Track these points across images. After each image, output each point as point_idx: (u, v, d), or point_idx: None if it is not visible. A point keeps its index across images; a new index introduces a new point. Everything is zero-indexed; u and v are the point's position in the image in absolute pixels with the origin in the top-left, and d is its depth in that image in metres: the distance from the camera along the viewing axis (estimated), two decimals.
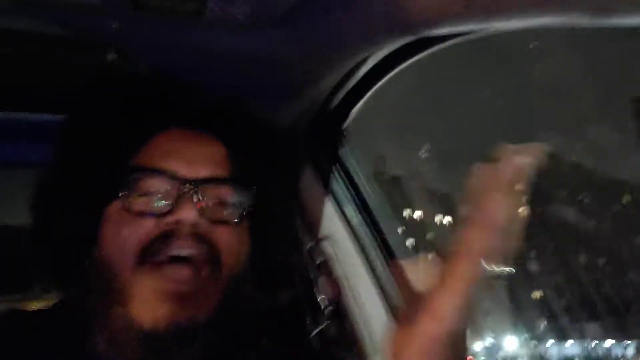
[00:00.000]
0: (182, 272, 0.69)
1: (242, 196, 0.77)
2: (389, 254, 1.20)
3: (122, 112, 0.79)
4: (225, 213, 0.75)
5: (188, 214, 0.70)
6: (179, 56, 0.91)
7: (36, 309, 0.83)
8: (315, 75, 0.97)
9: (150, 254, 0.69)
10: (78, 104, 0.83)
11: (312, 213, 1.21)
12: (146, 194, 0.72)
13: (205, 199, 0.73)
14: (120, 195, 0.72)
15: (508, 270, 0.57)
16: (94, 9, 0.76)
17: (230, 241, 0.74)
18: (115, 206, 0.73)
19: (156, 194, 0.72)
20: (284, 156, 0.89)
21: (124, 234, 0.71)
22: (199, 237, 0.71)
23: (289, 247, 0.87)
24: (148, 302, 0.68)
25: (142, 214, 0.71)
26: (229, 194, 0.76)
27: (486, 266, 0.56)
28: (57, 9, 0.79)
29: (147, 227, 0.70)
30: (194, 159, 0.76)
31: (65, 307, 0.77)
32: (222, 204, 0.75)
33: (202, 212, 0.72)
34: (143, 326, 0.67)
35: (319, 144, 1.22)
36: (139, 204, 0.72)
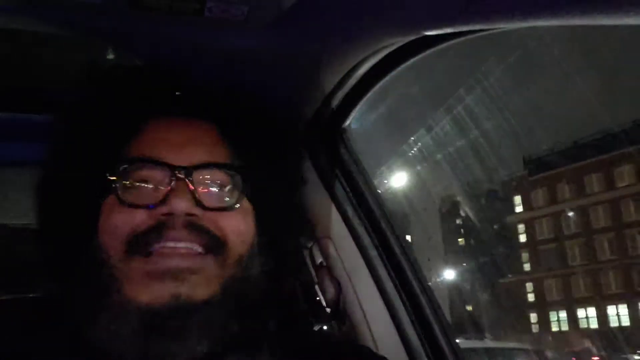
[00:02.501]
0: (176, 259, 0.68)
1: (239, 180, 0.75)
2: (389, 254, 1.20)
3: (112, 104, 0.78)
4: (223, 199, 0.73)
5: (181, 204, 0.69)
6: (177, 55, 0.91)
7: (36, 296, 0.83)
8: (314, 74, 0.97)
9: (142, 245, 0.68)
10: (75, 103, 0.83)
11: (313, 213, 1.21)
12: (138, 184, 0.72)
13: (199, 186, 0.72)
14: (113, 187, 0.71)
15: None
16: (92, 8, 0.76)
17: (233, 226, 0.73)
18: (110, 199, 0.72)
19: (148, 183, 0.72)
20: (281, 142, 0.88)
21: (116, 225, 0.70)
22: (195, 227, 0.69)
23: (295, 234, 0.86)
24: (143, 283, 0.67)
25: (134, 205, 0.70)
26: (225, 179, 0.74)
27: None
28: (55, 8, 0.79)
29: (139, 218, 0.69)
30: (185, 145, 0.74)
31: (65, 296, 0.76)
32: (218, 189, 0.73)
33: (197, 200, 0.70)
34: (140, 304, 0.66)
35: (319, 143, 1.21)
36: (131, 195, 0.71)
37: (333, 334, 1.17)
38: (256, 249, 0.76)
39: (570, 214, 40.47)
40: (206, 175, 0.73)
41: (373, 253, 1.19)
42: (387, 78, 1.04)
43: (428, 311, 1.15)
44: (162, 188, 0.71)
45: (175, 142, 0.74)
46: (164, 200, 0.69)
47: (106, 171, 0.72)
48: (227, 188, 0.74)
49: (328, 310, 1.20)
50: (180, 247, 0.68)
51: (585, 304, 40.12)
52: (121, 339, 0.66)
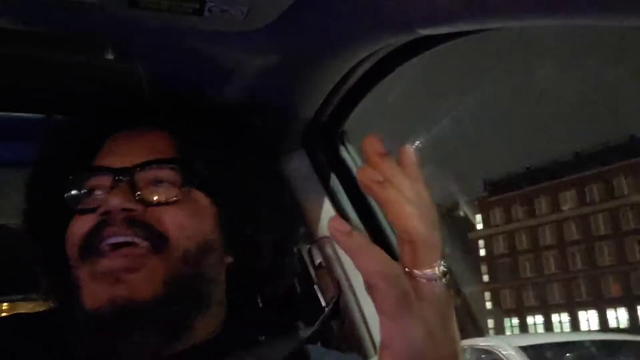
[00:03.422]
0: (118, 259, 0.68)
1: (184, 174, 0.75)
2: (389, 254, 1.19)
3: (84, 116, 0.82)
4: (164, 193, 0.73)
5: (116, 200, 0.70)
6: (176, 55, 0.91)
7: (33, 312, 0.84)
8: (314, 75, 0.97)
9: (88, 248, 0.70)
10: (73, 104, 0.84)
11: (312, 213, 1.21)
12: (87, 192, 0.74)
13: (140, 184, 0.72)
14: (70, 197, 0.75)
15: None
16: (90, 8, 0.76)
17: (176, 221, 0.72)
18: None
19: (94, 191, 0.74)
20: (255, 138, 0.87)
21: (71, 233, 0.73)
22: (133, 221, 0.70)
23: (275, 228, 0.83)
24: (87, 287, 0.69)
25: (82, 211, 0.73)
26: (169, 175, 0.74)
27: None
28: (54, 8, 0.79)
29: (85, 222, 0.71)
30: (130, 151, 0.76)
31: (56, 309, 0.80)
32: (161, 185, 0.74)
33: (136, 196, 0.71)
34: (88, 310, 0.67)
35: (319, 143, 1.21)
36: (81, 203, 0.74)
37: (329, 338, 1.17)
38: (212, 244, 0.75)
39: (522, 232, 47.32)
40: (148, 173, 0.74)
41: None
42: (386, 78, 1.05)
43: None
44: (105, 191, 0.73)
45: (121, 150, 0.77)
46: (105, 201, 0.71)
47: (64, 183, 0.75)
48: (170, 183, 0.74)
49: (327, 310, 1.20)
50: (120, 241, 0.69)
51: (534, 312, 46.63)
52: (83, 347, 0.68)
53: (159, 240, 0.70)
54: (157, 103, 0.89)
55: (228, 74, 0.95)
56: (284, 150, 1.20)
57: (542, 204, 46.33)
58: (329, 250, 1.20)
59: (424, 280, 0.47)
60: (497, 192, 49.73)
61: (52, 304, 0.82)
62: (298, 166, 1.22)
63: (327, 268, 1.21)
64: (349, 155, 1.24)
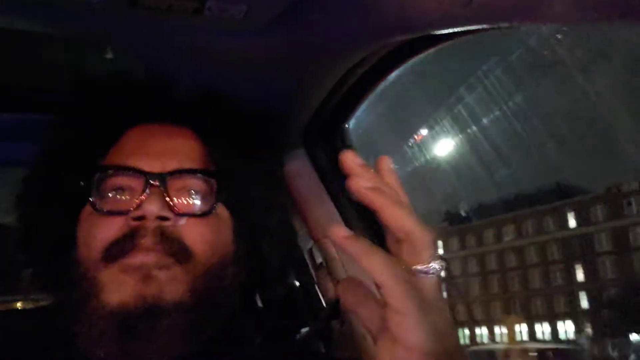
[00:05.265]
0: (151, 253, 0.68)
1: (214, 187, 0.75)
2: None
3: (92, 111, 0.79)
4: (195, 205, 0.73)
5: (153, 207, 0.69)
6: (176, 55, 0.90)
7: (28, 307, 0.84)
8: (315, 74, 0.97)
9: (116, 253, 0.69)
10: (71, 104, 0.83)
11: (313, 213, 1.21)
12: (114, 192, 0.72)
13: (172, 192, 0.72)
14: (90, 195, 0.72)
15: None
16: (91, 8, 0.76)
17: (203, 233, 0.73)
18: (88, 208, 0.73)
19: (123, 191, 0.72)
20: (266, 146, 0.87)
21: (93, 235, 0.71)
22: (165, 235, 0.70)
23: (279, 239, 0.84)
24: (114, 282, 0.67)
25: (109, 213, 0.71)
26: (200, 186, 0.74)
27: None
28: (54, 8, 0.78)
29: (114, 226, 0.70)
30: (161, 152, 0.75)
31: (55, 306, 0.77)
32: (191, 196, 0.74)
33: (169, 205, 0.70)
34: (112, 307, 0.66)
35: (319, 143, 1.21)
36: (107, 203, 0.72)
37: (330, 338, 1.17)
38: (231, 258, 0.76)
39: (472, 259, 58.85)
40: (180, 182, 0.73)
41: None
42: (388, 77, 1.04)
43: None
44: (136, 195, 0.71)
45: (151, 149, 0.75)
46: (138, 207, 0.70)
47: (85, 180, 0.73)
48: (201, 194, 0.74)
49: (328, 310, 1.20)
50: (150, 257, 0.68)
51: (481, 324, 56.42)
52: (100, 344, 0.67)
53: (184, 255, 0.70)
54: (177, 100, 0.86)
55: (227, 73, 0.94)
56: (284, 149, 1.20)
57: (490, 235, 58.20)
58: (329, 250, 1.20)
59: (425, 275, 0.49)
60: (454, 222, 60.29)
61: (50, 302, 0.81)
62: (298, 166, 1.22)
63: (328, 268, 1.21)
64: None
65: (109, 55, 0.91)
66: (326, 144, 1.22)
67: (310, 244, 1.23)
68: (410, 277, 0.48)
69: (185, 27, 0.83)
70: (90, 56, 0.95)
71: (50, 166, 0.79)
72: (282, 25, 0.83)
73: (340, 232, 0.50)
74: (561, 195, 53.35)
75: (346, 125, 1.21)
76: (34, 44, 0.91)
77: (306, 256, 1.26)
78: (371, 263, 0.48)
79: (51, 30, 0.87)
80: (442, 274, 0.50)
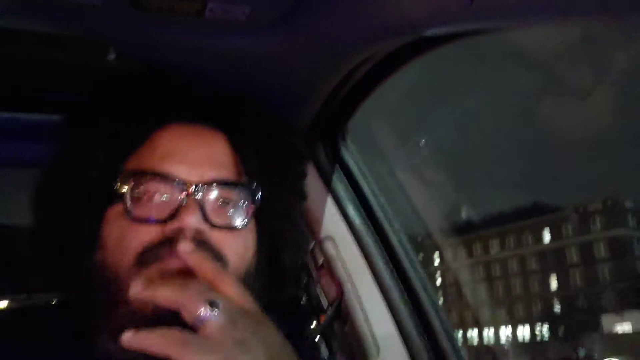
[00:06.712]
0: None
1: (248, 199, 0.75)
2: (390, 254, 1.19)
3: (117, 111, 0.77)
4: (230, 217, 0.73)
5: (192, 219, 0.68)
6: (178, 56, 0.90)
7: (41, 304, 0.83)
8: (316, 75, 0.97)
9: (152, 258, 0.68)
10: (76, 104, 0.82)
11: (314, 213, 1.21)
12: (148, 198, 0.71)
13: (209, 203, 0.71)
14: (121, 198, 0.71)
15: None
16: (93, 9, 0.76)
17: (235, 246, 0.73)
18: (115, 209, 0.72)
19: (158, 198, 0.71)
20: (290, 153, 0.87)
21: (125, 239, 0.69)
22: (202, 243, 0.69)
23: (296, 248, 0.86)
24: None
25: (144, 220, 0.70)
26: (235, 197, 0.74)
27: None
28: (56, 9, 0.78)
29: (149, 233, 0.69)
30: (199, 160, 0.74)
31: (69, 305, 0.76)
32: (226, 208, 0.73)
33: (205, 217, 0.70)
34: (146, 311, 0.65)
35: (320, 144, 1.21)
36: (140, 208, 0.70)
37: (331, 339, 1.17)
38: (253, 269, 0.76)
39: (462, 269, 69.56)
40: (216, 192, 0.73)
41: (374, 253, 1.18)
42: (388, 79, 1.04)
43: (429, 311, 1.15)
44: (172, 203, 0.70)
45: (186, 156, 0.74)
46: (174, 215, 0.69)
47: (112, 180, 0.71)
48: (237, 207, 0.74)
49: (329, 310, 1.20)
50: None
51: (472, 326, 64.52)
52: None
53: (221, 262, 0.70)
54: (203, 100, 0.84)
55: (228, 75, 0.94)
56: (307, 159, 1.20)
57: (478, 248, 67.96)
58: (330, 250, 1.20)
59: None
60: (448, 236, 68.02)
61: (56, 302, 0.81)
62: None
63: (329, 269, 1.21)
64: (351, 154, 1.24)
65: (111, 56, 0.91)
66: (327, 144, 1.22)
67: (312, 244, 1.23)
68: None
69: (187, 28, 0.83)
70: (92, 57, 0.94)
71: (74, 166, 0.76)
72: (283, 27, 0.83)
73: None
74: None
75: (347, 125, 1.21)
76: (35, 44, 0.91)
77: (308, 257, 1.25)
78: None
79: (53, 30, 0.87)
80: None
